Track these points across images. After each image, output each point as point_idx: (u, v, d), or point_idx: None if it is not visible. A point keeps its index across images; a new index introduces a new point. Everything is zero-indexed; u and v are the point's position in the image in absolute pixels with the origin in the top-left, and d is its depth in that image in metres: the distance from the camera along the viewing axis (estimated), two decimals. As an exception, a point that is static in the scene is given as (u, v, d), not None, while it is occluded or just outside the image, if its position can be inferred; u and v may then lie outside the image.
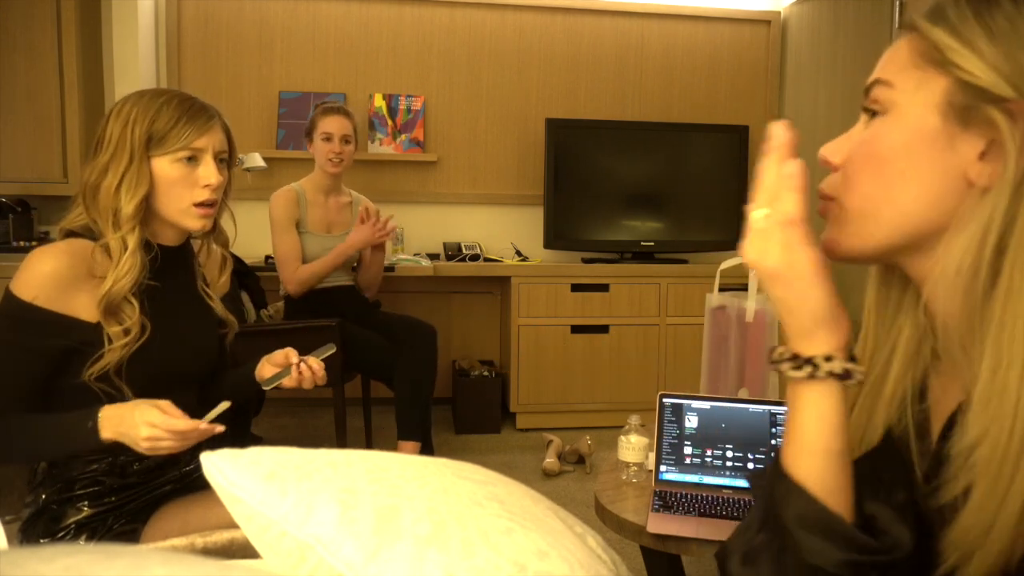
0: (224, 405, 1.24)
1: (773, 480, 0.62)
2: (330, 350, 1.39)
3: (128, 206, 1.23)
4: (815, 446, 0.60)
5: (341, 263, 2.82)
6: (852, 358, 0.61)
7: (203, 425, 1.16)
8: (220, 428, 1.18)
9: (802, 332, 0.61)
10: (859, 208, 0.62)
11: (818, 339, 0.60)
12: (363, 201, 3.01)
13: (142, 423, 1.13)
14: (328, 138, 2.80)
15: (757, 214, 0.62)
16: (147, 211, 1.28)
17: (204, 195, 1.29)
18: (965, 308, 0.58)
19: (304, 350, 1.40)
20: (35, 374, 1.21)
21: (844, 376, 0.60)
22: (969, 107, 0.56)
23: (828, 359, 0.60)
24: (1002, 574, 0.54)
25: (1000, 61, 0.55)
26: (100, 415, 1.17)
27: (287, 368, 1.34)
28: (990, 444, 0.54)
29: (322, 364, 1.37)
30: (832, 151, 0.65)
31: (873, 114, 0.63)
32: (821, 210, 0.66)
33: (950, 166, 0.58)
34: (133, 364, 1.24)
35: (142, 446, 1.14)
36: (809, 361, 0.60)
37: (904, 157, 0.59)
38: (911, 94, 0.59)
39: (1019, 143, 0.54)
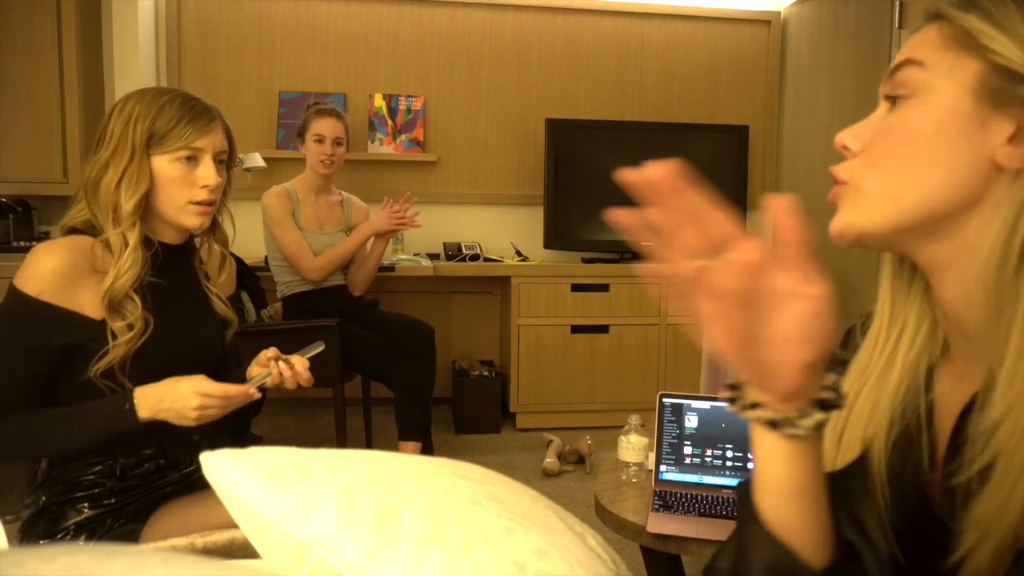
0: (267, 372, 1.31)
1: (744, 520, 0.57)
2: (318, 348, 1.38)
3: (128, 203, 1.24)
4: (787, 489, 0.53)
5: (360, 244, 2.84)
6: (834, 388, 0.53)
7: (251, 389, 1.24)
8: (259, 395, 1.26)
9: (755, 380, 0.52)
10: (879, 191, 0.61)
11: (768, 391, 0.51)
12: (353, 200, 3.02)
13: (192, 393, 1.19)
14: (320, 140, 2.81)
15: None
16: (147, 208, 1.29)
17: (202, 195, 1.29)
18: (992, 293, 0.57)
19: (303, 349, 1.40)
20: (41, 370, 1.22)
21: (822, 425, 0.52)
22: (1002, 89, 0.56)
23: (803, 415, 0.51)
24: (1013, 550, 0.54)
25: None
26: (136, 396, 1.20)
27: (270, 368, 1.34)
28: (1012, 422, 0.54)
29: (306, 363, 1.35)
30: (851, 136, 0.63)
31: (895, 101, 0.62)
32: (832, 195, 0.64)
33: (979, 149, 0.57)
34: (137, 360, 1.24)
35: (191, 416, 1.19)
36: (789, 421, 0.51)
37: (934, 140, 0.58)
38: (943, 76, 0.58)
39: None
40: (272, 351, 1.36)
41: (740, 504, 0.58)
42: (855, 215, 0.62)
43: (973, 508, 0.56)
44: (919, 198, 0.59)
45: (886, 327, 0.68)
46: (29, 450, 1.25)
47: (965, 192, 0.57)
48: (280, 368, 1.32)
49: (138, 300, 1.24)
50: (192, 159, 1.28)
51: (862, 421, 0.68)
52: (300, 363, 1.34)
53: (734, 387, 0.54)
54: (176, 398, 1.19)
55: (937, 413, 0.66)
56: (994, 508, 0.54)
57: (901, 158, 0.60)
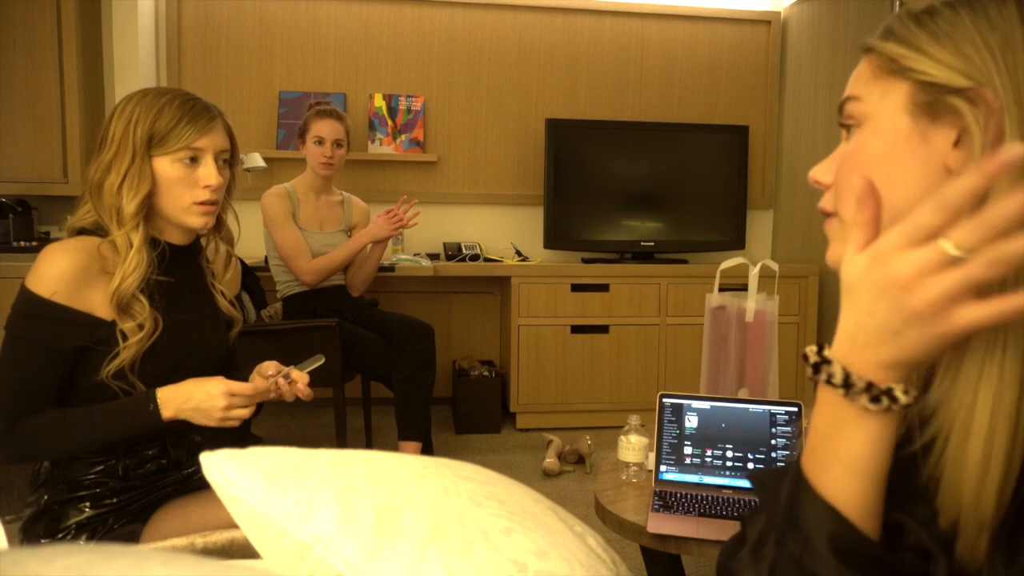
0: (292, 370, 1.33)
1: (797, 497, 0.59)
2: (318, 362, 1.37)
3: (130, 205, 1.24)
4: (864, 469, 0.57)
5: (358, 250, 2.84)
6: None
7: (272, 389, 1.28)
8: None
9: (895, 363, 0.55)
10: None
11: (901, 371, 0.55)
12: (354, 200, 3.02)
13: (220, 394, 1.21)
14: (320, 142, 2.81)
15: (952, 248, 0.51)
16: (151, 209, 1.29)
17: (204, 195, 1.29)
18: None
19: (303, 350, 1.40)
20: (59, 371, 1.22)
21: (912, 405, 0.56)
22: (933, 102, 0.60)
23: (907, 392, 0.55)
24: (987, 536, 0.55)
25: (950, 58, 0.60)
26: (159, 396, 1.22)
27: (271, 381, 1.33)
28: (945, 410, 0.57)
29: (307, 377, 1.34)
30: (822, 172, 0.69)
31: (850, 130, 0.67)
32: (825, 227, 0.69)
33: (929, 159, 0.61)
34: (146, 360, 1.25)
35: (216, 416, 1.21)
36: (888, 393, 0.55)
37: (886, 160, 0.63)
38: (879, 103, 0.64)
39: (983, 125, 0.57)
40: (274, 365, 1.35)
41: (791, 482, 0.61)
42: (843, 245, 0.65)
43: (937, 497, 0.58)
44: (888, 217, 0.61)
45: None
46: (55, 450, 1.25)
47: None
48: (280, 383, 1.32)
49: (145, 301, 1.25)
50: (193, 159, 1.28)
51: None
52: (301, 378, 1.34)
53: (823, 368, 0.58)
54: (204, 398, 1.21)
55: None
56: (948, 496, 0.56)
57: None
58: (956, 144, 0.60)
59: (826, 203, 0.68)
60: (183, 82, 3.56)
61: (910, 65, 0.62)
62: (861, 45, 0.67)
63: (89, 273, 1.21)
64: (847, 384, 0.56)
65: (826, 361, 0.58)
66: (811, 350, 0.59)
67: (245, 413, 1.24)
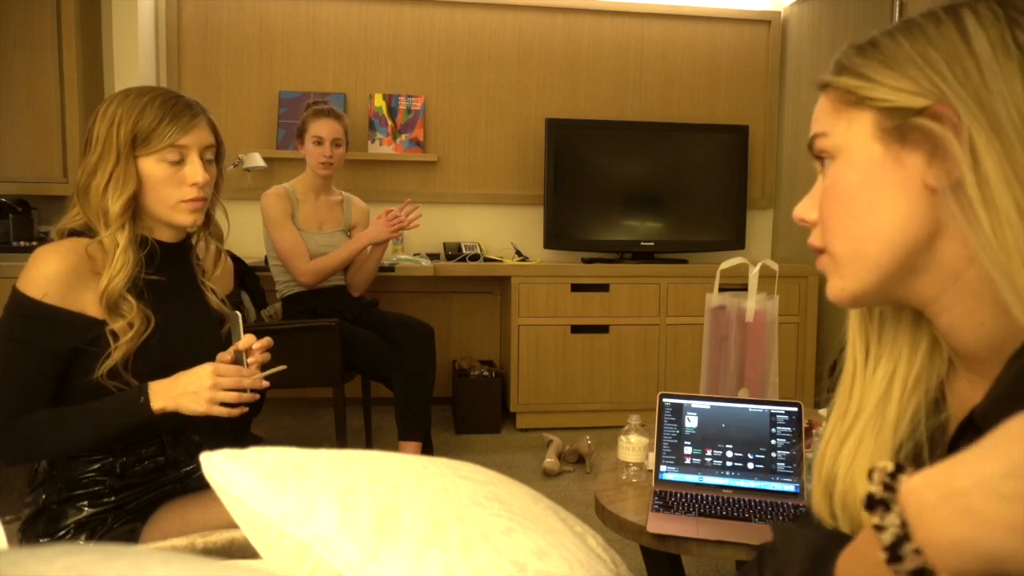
0: (280, 368, 1.31)
1: None
2: (238, 319, 1.33)
3: (115, 206, 1.24)
4: None
5: (357, 252, 2.83)
6: None
7: (258, 374, 1.27)
8: (267, 384, 1.28)
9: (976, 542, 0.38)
10: (848, 250, 0.66)
11: (974, 561, 0.38)
12: (354, 200, 3.02)
13: (207, 373, 1.20)
14: (319, 142, 2.80)
15: None
16: (139, 208, 1.29)
17: (191, 193, 1.29)
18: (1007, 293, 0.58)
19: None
20: (53, 371, 1.22)
21: None
22: (900, 126, 0.62)
23: None
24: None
25: (901, 81, 0.61)
26: (150, 389, 1.22)
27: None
28: None
29: (251, 337, 1.31)
30: (806, 209, 0.69)
31: (824, 163, 0.68)
32: (818, 264, 0.70)
33: (907, 181, 0.62)
34: (139, 358, 1.25)
35: (205, 395, 1.20)
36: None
37: (865, 189, 0.64)
38: (846, 133, 0.65)
39: (961, 138, 0.58)
40: (227, 353, 1.32)
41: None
42: (840, 279, 0.67)
43: None
44: (879, 243, 0.63)
45: (861, 369, 0.71)
46: (52, 448, 1.25)
47: (918, 224, 0.62)
48: (247, 371, 1.29)
49: (133, 300, 1.25)
50: (179, 157, 1.28)
51: (866, 458, 0.68)
52: (247, 342, 1.29)
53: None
54: (191, 379, 1.21)
55: (950, 426, 0.67)
56: None
57: (847, 213, 0.65)
58: (930, 163, 0.61)
59: (815, 239, 0.69)
60: (183, 82, 3.56)
61: (868, 95, 0.63)
62: (816, 83, 0.69)
63: (80, 274, 1.22)
64: (894, 545, 0.42)
65: (891, 489, 0.43)
66: (882, 468, 0.44)
67: (232, 396, 1.21)
